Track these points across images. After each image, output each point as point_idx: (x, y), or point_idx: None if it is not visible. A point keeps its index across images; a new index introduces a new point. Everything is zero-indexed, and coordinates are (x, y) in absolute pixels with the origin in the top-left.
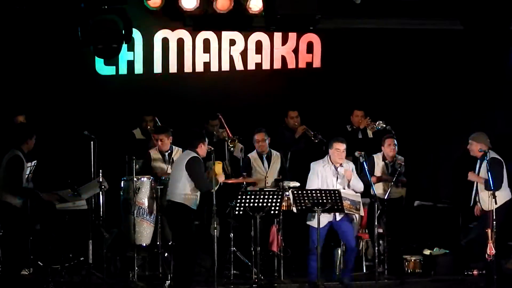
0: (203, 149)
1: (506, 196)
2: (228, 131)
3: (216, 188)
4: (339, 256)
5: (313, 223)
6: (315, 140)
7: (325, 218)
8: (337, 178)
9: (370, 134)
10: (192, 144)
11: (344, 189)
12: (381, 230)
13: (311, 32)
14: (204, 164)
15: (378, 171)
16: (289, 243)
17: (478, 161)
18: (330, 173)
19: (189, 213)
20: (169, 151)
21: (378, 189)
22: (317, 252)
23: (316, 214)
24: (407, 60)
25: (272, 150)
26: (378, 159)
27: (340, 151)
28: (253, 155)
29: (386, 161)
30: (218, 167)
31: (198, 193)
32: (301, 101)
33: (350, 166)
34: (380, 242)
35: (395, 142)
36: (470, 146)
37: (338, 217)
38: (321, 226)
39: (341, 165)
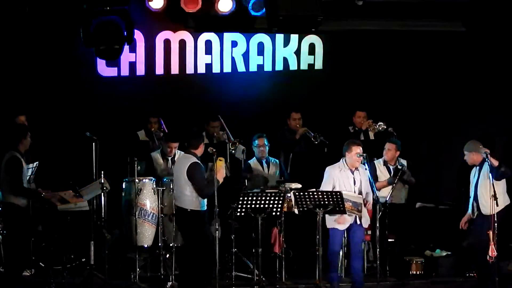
0: (201, 150)
1: (507, 200)
2: (229, 133)
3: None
4: (341, 258)
5: (337, 225)
6: (315, 142)
7: (347, 221)
8: (354, 182)
9: (371, 136)
10: (192, 144)
11: (360, 194)
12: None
13: (313, 33)
14: (206, 166)
15: (380, 176)
16: (290, 245)
17: (477, 167)
18: (347, 178)
19: (199, 217)
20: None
21: (382, 191)
22: (318, 253)
23: (320, 215)
24: (409, 62)
25: (269, 157)
26: (379, 163)
27: (360, 155)
28: (253, 161)
29: (387, 164)
30: (220, 165)
31: None
32: (303, 102)
33: (365, 169)
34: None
35: (395, 147)
36: (466, 158)
37: (359, 221)
38: (343, 228)
39: (356, 168)
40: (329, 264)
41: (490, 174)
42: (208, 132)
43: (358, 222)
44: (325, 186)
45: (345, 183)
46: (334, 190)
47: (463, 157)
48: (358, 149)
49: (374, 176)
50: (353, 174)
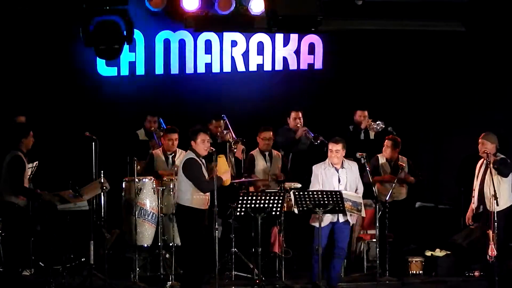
0: (197, 146)
1: (510, 201)
2: (233, 133)
3: (221, 184)
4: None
5: (316, 223)
6: (315, 143)
7: (327, 219)
8: (339, 180)
9: (372, 135)
10: (189, 142)
11: (345, 190)
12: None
13: (313, 33)
14: (207, 165)
15: (382, 170)
16: (290, 244)
17: (484, 162)
18: (331, 176)
19: (197, 214)
20: (173, 154)
21: (380, 189)
22: (318, 253)
23: (318, 214)
24: (409, 61)
25: (273, 149)
26: (382, 158)
27: (333, 151)
28: (255, 152)
29: (388, 160)
30: (222, 161)
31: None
32: (302, 102)
33: (354, 167)
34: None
35: (392, 143)
36: (485, 146)
37: (341, 219)
38: (322, 225)
39: (342, 166)
40: (312, 266)
41: (491, 174)
42: (211, 132)
43: (341, 220)
44: (313, 185)
45: (328, 182)
46: (330, 189)
47: (463, 157)
48: (332, 146)
49: (376, 170)
50: (337, 172)
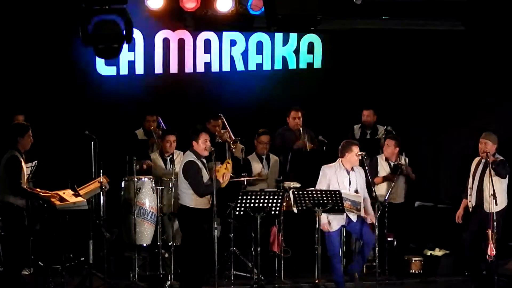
0: (199, 146)
1: (505, 201)
2: (230, 132)
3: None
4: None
5: (330, 227)
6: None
7: (336, 222)
8: (350, 183)
9: (379, 135)
10: (190, 142)
11: (356, 192)
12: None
13: (312, 32)
14: (208, 165)
15: (381, 172)
16: (289, 244)
17: (482, 161)
18: (343, 177)
19: (199, 214)
20: (171, 155)
21: (381, 189)
22: (318, 252)
23: (322, 216)
24: (408, 61)
25: (270, 154)
26: (381, 159)
27: (358, 154)
28: (252, 157)
29: (388, 161)
30: (227, 166)
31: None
32: (302, 101)
33: (362, 170)
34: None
35: (394, 143)
36: (485, 146)
37: (354, 218)
38: (334, 230)
39: (352, 169)
40: (332, 268)
41: (490, 174)
42: (209, 131)
43: (355, 220)
44: (320, 185)
45: (339, 184)
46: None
47: (463, 156)
48: (357, 149)
49: (375, 171)
50: (348, 174)
